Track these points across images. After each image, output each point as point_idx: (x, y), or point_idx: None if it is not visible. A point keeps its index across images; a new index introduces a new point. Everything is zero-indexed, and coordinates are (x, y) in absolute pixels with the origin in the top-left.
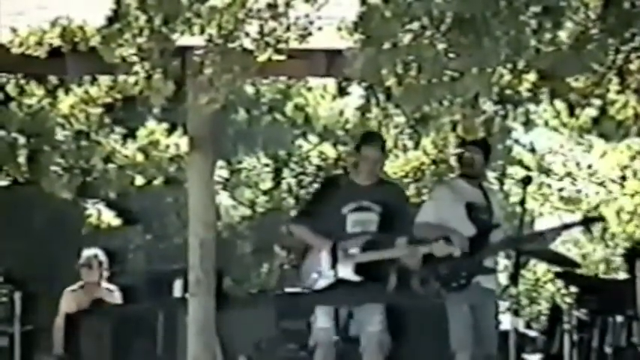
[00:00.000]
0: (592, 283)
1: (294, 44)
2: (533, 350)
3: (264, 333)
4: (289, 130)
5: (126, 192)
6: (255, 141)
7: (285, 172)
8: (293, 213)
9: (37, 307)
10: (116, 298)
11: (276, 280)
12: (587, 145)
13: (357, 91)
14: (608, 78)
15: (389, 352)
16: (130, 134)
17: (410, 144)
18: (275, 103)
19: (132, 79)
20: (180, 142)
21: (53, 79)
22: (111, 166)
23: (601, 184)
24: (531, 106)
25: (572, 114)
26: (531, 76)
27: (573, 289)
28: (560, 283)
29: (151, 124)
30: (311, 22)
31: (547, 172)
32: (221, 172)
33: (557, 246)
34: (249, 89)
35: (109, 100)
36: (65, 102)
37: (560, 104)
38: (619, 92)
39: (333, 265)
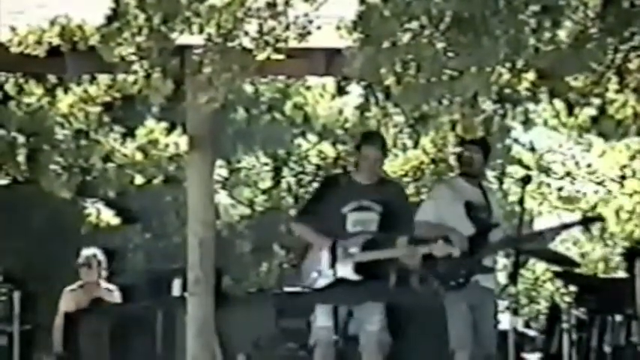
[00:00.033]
0: (591, 282)
1: (293, 43)
2: (532, 349)
3: (263, 332)
4: (288, 129)
5: (125, 191)
6: (255, 140)
7: (285, 171)
8: (292, 212)
9: (37, 307)
10: (115, 297)
11: (275, 279)
12: (586, 144)
13: (356, 90)
14: (608, 77)
15: (388, 351)
16: (130, 133)
17: (409, 143)
18: (274, 102)
19: (131, 78)
20: (179, 141)
21: (52, 78)
22: (110, 165)
23: (600, 183)
24: (530, 105)
25: (571, 113)
26: (530, 75)
27: (572, 288)
28: (559, 282)
29: (150, 123)
30: (310, 21)
31: (546, 171)
32: (220, 171)
33: (557, 245)
34: (249, 88)
35: (108, 99)
36: (64, 101)
37: (559, 103)
38: (618, 91)
39: (333, 264)
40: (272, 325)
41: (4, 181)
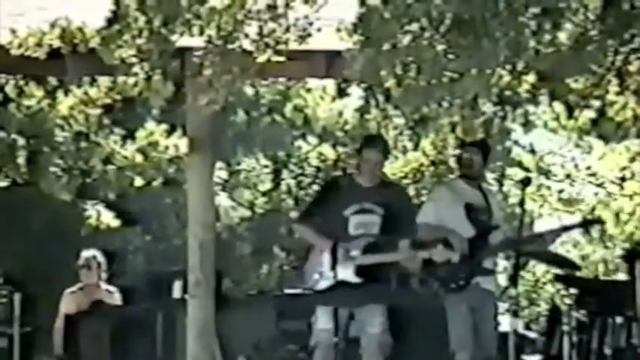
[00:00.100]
0: (591, 284)
1: (293, 45)
2: (532, 351)
3: (264, 334)
4: (288, 131)
5: (125, 193)
6: (255, 142)
7: (285, 174)
8: (292, 214)
9: (37, 309)
10: (116, 299)
11: (276, 281)
12: (586, 146)
13: (356, 93)
14: (608, 79)
15: (389, 353)
16: (130, 135)
17: (409, 145)
18: (274, 104)
19: (131, 81)
20: (179, 143)
21: (52, 81)
22: (110, 167)
23: (600, 185)
24: (531, 108)
25: (571, 115)
26: (530, 78)
27: (573, 290)
28: (559, 284)
29: (151, 125)
30: (310, 24)
31: (546, 173)
32: (220, 174)
33: (557, 247)
34: (249, 90)
35: (108, 101)
36: (64, 103)
37: (559, 106)
38: (618, 93)
39: (333, 267)
40: (272, 328)
41: (4, 184)
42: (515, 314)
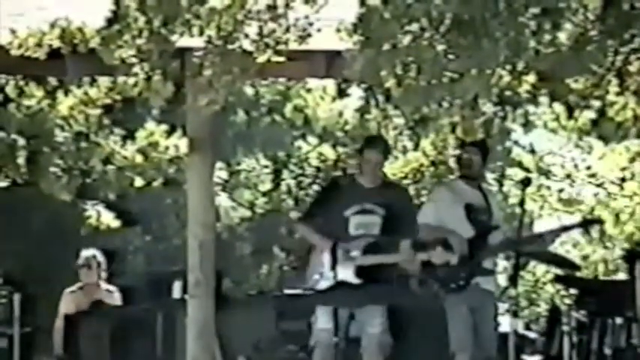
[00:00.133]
0: (591, 284)
1: (293, 45)
2: (532, 352)
3: (264, 334)
4: (288, 131)
5: (125, 193)
6: (255, 142)
7: (285, 174)
8: (292, 214)
9: (37, 309)
10: (115, 298)
11: (276, 281)
12: (586, 146)
13: (356, 93)
14: (608, 79)
15: (389, 353)
16: (130, 135)
17: (409, 145)
18: (274, 104)
19: (131, 81)
20: (179, 143)
21: (52, 81)
22: (110, 167)
23: (600, 185)
24: (531, 108)
25: (571, 115)
26: (531, 78)
27: (573, 290)
28: (559, 285)
29: (151, 125)
30: (310, 24)
31: (546, 173)
32: (220, 174)
33: (557, 247)
34: (249, 90)
35: (108, 101)
36: (64, 103)
37: (559, 106)
38: (618, 94)
39: (333, 267)
40: (272, 328)
41: (4, 184)
42: (515, 314)
